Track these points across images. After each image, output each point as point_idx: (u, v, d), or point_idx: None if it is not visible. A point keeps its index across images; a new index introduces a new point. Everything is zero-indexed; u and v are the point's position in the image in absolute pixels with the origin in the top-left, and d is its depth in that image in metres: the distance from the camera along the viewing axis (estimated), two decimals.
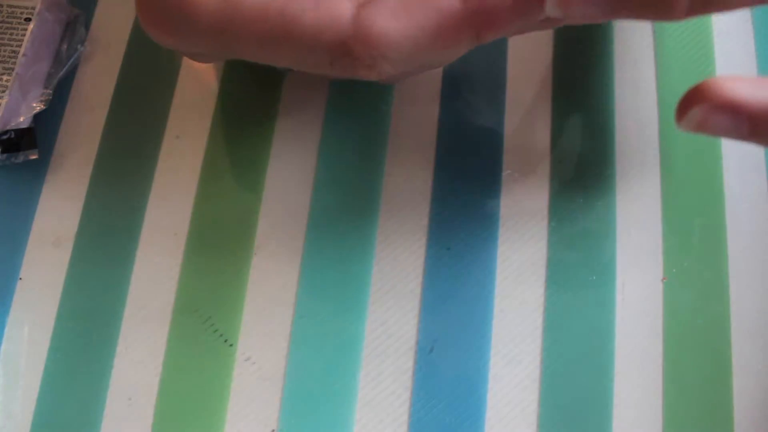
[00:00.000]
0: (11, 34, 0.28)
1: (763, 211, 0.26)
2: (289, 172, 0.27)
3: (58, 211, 0.27)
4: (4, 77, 0.27)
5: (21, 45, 0.28)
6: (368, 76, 0.19)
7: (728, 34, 0.29)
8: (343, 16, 0.18)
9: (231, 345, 0.25)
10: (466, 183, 0.26)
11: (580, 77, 0.28)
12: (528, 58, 0.29)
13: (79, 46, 0.29)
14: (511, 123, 0.27)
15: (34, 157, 0.27)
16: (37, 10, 0.28)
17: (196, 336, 0.25)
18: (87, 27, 0.30)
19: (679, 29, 0.29)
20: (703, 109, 0.17)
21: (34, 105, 0.27)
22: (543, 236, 0.26)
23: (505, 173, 0.27)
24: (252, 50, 0.20)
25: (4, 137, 0.27)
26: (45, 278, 0.26)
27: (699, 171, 0.27)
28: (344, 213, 0.26)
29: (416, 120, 0.28)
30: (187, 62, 0.29)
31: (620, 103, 0.28)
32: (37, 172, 0.27)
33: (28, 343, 0.25)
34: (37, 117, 0.27)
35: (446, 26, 0.18)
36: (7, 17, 0.28)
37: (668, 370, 0.24)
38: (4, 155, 0.27)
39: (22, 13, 0.28)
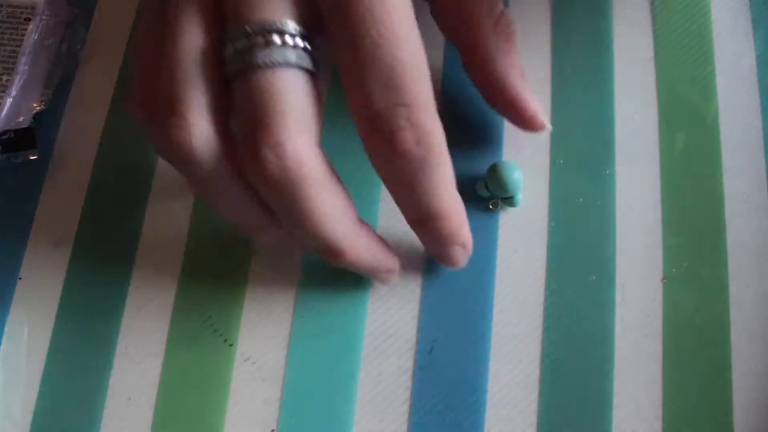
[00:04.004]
0: (11, 34, 0.28)
1: (763, 211, 0.26)
2: None
3: (58, 211, 0.27)
4: (4, 77, 0.27)
5: (21, 45, 0.28)
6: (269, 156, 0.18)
7: (728, 34, 0.29)
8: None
9: (231, 345, 0.25)
10: (465, 183, 0.26)
11: (580, 77, 0.28)
12: (528, 59, 0.29)
13: (79, 46, 0.29)
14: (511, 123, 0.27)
15: (34, 157, 0.27)
16: (37, 10, 0.28)
17: (196, 336, 0.25)
18: (87, 27, 0.30)
19: (678, 29, 0.29)
20: None
21: (34, 105, 0.27)
22: (543, 236, 0.26)
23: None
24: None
25: (4, 137, 0.27)
26: (45, 278, 0.26)
27: (699, 171, 0.27)
28: None
29: None
30: None
31: (620, 103, 0.28)
32: (37, 172, 0.27)
33: (28, 343, 0.25)
34: (37, 117, 0.27)
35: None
36: (7, 17, 0.28)
37: (668, 370, 0.24)
38: (4, 155, 0.27)
39: (22, 13, 0.28)
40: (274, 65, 0.18)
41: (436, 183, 0.19)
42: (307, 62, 0.19)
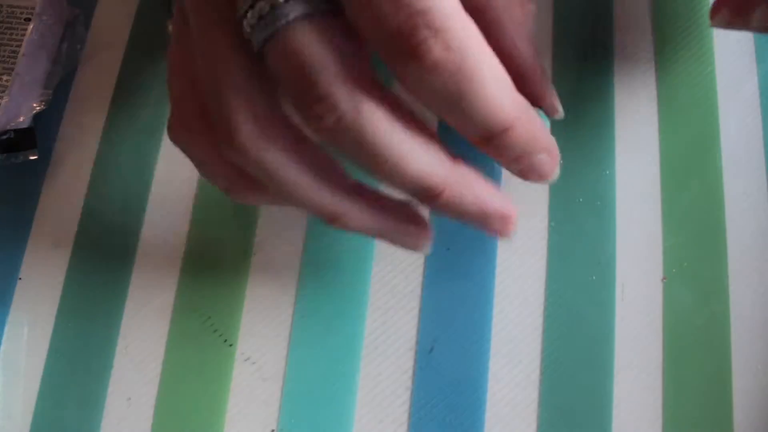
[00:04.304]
0: (11, 34, 0.28)
1: (763, 211, 0.26)
2: None
3: (58, 211, 0.27)
4: (4, 77, 0.27)
5: (21, 45, 0.28)
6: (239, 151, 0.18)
7: (728, 35, 0.29)
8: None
9: (231, 345, 0.25)
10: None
11: (580, 77, 0.28)
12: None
13: (79, 46, 0.29)
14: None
15: (34, 157, 0.27)
16: (37, 10, 0.28)
17: (196, 336, 0.25)
18: (87, 27, 0.30)
19: (678, 29, 0.29)
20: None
21: (34, 105, 0.27)
22: (543, 236, 0.26)
23: (505, 173, 0.27)
24: None
25: (4, 137, 0.27)
26: (45, 278, 0.26)
27: (699, 171, 0.27)
28: None
29: None
30: None
31: (620, 103, 0.28)
32: (37, 172, 0.27)
33: (28, 343, 0.25)
34: (37, 117, 0.27)
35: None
36: (7, 17, 0.28)
37: (668, 370, 0.24)
38: (4, 155, 0.27)
39: (22, 13, 0.28)
40: (287, 25, 0.17)
41: (486, 90, 0.17)
42: (320, 5, 0.17)
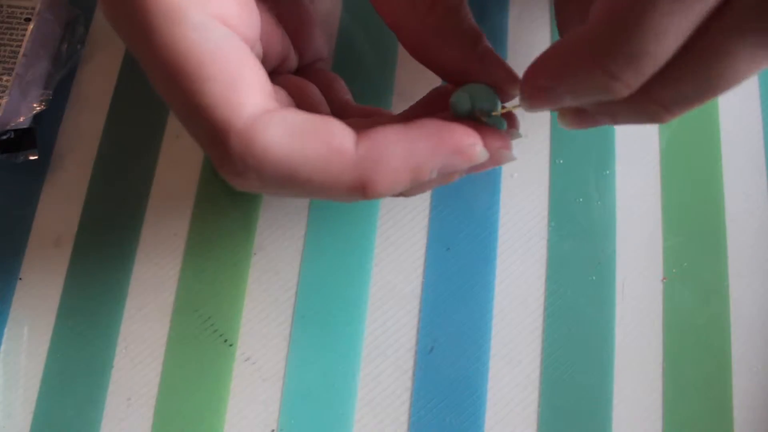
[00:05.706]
0: (11, 34, 0.28)
1: (763, 211, 0.26)
2: None
3: (58, 211, 0.27)
4: (4, 77, 0.27)
5: (21, 45, 0.28)
6: (232, 181, 0.17)
7: None
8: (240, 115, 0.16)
9: (231, 345, 0.25)
10: (466, 183, 0.26)
11: None
12: (527, 57, 0.29)
13: (79, 46, 0.29)
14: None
15: (34, 157, 0.27)
16: (37, 10, 0.28)
17: (196, 336, 0.25)
18: (87, 27, 0.30)
19: None
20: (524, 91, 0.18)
21: (34, 105, 0.27)
22: (543, 236, 0.26)
23: (505, 173, 0.27)
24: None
25: (4, 137, 0.27)
26: (45, 278, 0.26)
27: (699, 171, 0.27)
28: (344, 213, 0.26)
29: None
30: None
31: None
32: (37, 172, 0.27)
33: (28, 343, 0.25)
34: (37, 117, 0.27)
35: (331, 165, 0.16)
36: (7, 17, 0.28)
37: (668, 370, 0.24)
38: (4, 155, 0.27)
39: (22, 13, 0.28)
40: None
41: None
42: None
